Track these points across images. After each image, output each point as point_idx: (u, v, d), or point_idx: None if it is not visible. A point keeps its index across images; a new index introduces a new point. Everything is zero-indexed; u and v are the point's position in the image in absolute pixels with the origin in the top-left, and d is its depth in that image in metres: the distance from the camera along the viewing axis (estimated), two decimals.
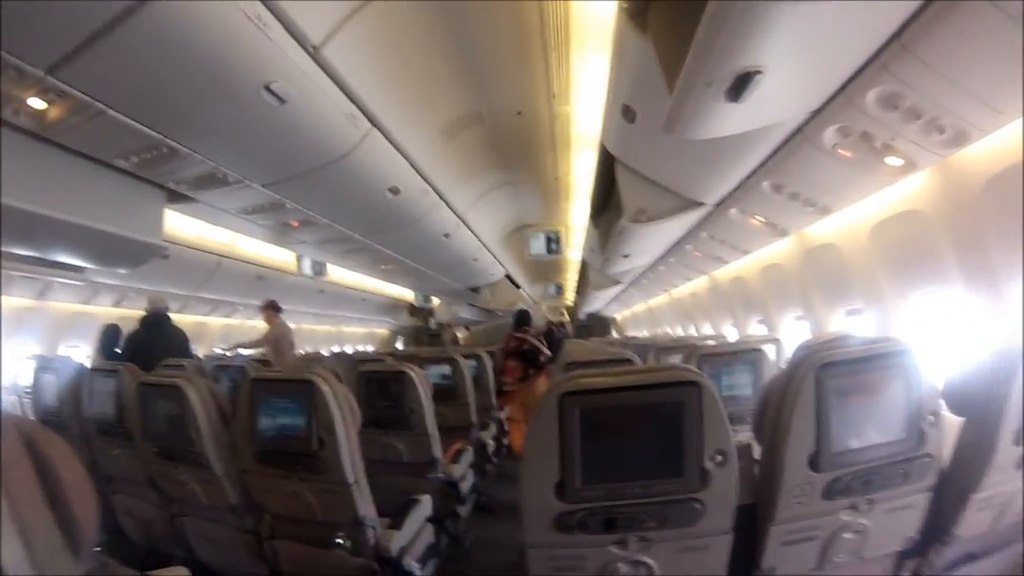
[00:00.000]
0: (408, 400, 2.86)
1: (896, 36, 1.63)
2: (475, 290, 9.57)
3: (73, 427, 2.89)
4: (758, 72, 1.52)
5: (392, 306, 13.87)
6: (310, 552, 2.12)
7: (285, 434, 2.03)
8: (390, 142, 3.24)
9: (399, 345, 16.42)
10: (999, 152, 2.06)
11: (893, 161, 2.20)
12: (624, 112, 2.56)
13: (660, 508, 1.23)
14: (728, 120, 1.82)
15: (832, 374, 1.33)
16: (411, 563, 2.15)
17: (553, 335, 8.69)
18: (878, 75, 1.78)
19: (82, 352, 6.38)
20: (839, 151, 2.27)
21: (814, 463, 1.35)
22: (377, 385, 2.95)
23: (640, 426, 1.23)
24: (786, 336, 4.31)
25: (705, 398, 1.20)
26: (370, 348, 14.42)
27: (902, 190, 2.56)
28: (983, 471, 1.50)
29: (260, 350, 5.81)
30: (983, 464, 1.50)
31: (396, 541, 2.08)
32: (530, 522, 1.26)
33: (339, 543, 2.05)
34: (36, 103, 2.23)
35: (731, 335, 5.87)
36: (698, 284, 6.78)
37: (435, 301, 13.77)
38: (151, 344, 4.30)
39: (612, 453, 1.23)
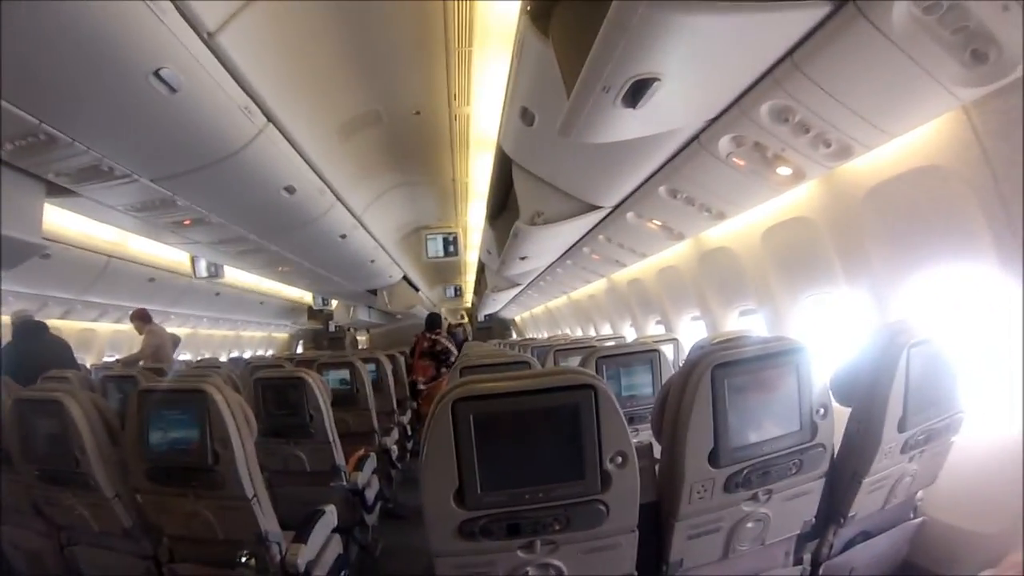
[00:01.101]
0: (307, 407, 2.79)
1: (789, 54, 1.71)
2: (373, 292, 9.43)
3: None
4: (655, 79, 1.55)
5: (291, 309, 13.57)
6: (213, 574, 2.02)
7: (178, 449, 1.91)
8: (286, 139, 3.10)
9: (299, 349, 16.01)
10: (878, 166, 2.22)
11: (783, 171, 2.31)
12: (522, 115, 2.56)
13: (563, 511, 1.23)
14: (624, 125, 1.85)
15: (727, 373, 1.38)
16: None
17: (457, 336, 8.85)
18: (771, 90, 1.86)
19: None
20: (733, 159, 2.36)
21: (713, 459, 1.40)
22: (274, 392, 2.86)
23: (538, 430, 1.22)
24: (684, 335, 4.46)
25: (601, 400, 1.20)
26: (270, 352, 13.94)
27: (792, 197, 2.71)
28: (871, 456, 1.62)
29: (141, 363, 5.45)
30: (871, 450, 1.62)
31: (302, 555, 2.01)
32: (434, 531, 1.23)
33: (243, 562, 1.97)
34: None
35: (630, 335, 6.04)
36: (597, 286, 6.93)
37: (334, 304, 13.47)
38: (31, 355, 3.94)
39: (511, 458, 1.21)
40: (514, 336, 15.48)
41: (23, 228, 3.14)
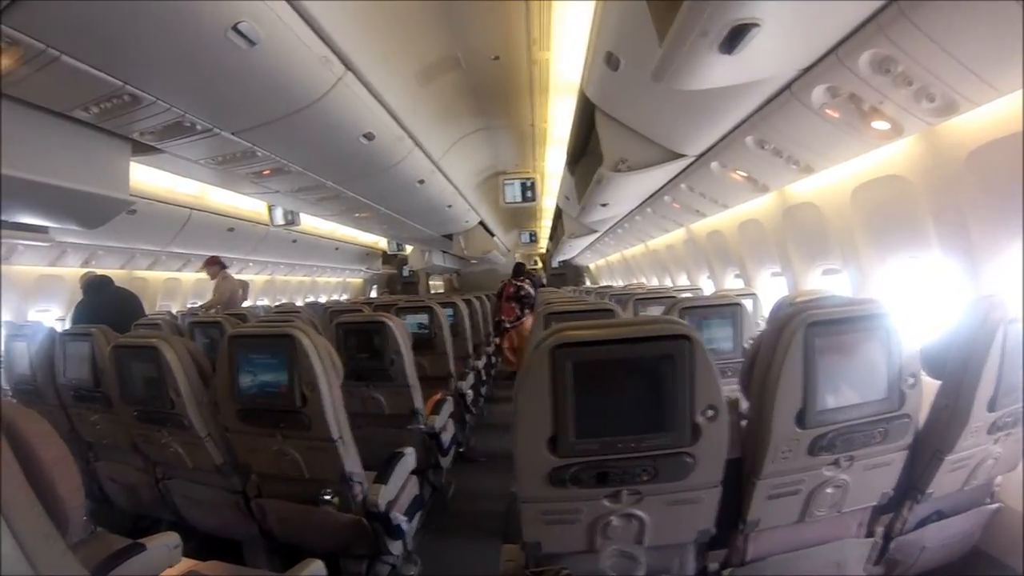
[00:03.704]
0: (388, 351, 2.83)
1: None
2: (449, 237, 9.50)
3: (49, 395, 2.79)
4: (755, 25, 1.48)
5: (366, 254, 13.87)
6: (298, 509, 2.13)
7: (267, 391, 2.00)
8: (365, 86, 3.11)
9: (373, 293, 16.34)
10: (983, 125, 2.05)
11: (880, 125, 2.18)
12: (607, 59, 2.48)
13: (652, 462, 1.24)
14: (719, 72, 1.77)
15: (820, 332, 1.35)
16: (398, 516, 2.17)
17: (535, 280, 9.07)
18: (873, 37, 1.75)
19: (52, 316, 6.18)
20: (826, 111, 2.25)
21: (800, 420, 1.38)
22: (356, 336, 2.90)
23: (632, 379, 1.21)
24: (762, 291, 4.38)
25: (696, 352, 1.19)
26: (345, 297, 14.33)
27: (885, 154, 2.55)
28: (957, 434, 1.56)
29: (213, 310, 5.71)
30: (957, 427, 1.56)
31: (383, 495, 2.09)
32: (524, 477, 1.26)
33: (327, 499, 2.06)
34: None
35: (707, 288, 5.93)
36: (676, 235, 6.80)
37: (408, 249, 13.67)
38: (101, 307, 4.25)
39: (605, 407, 1.22)
40: (587, 283, 15.31)
41: (112, 186, 3.29)
